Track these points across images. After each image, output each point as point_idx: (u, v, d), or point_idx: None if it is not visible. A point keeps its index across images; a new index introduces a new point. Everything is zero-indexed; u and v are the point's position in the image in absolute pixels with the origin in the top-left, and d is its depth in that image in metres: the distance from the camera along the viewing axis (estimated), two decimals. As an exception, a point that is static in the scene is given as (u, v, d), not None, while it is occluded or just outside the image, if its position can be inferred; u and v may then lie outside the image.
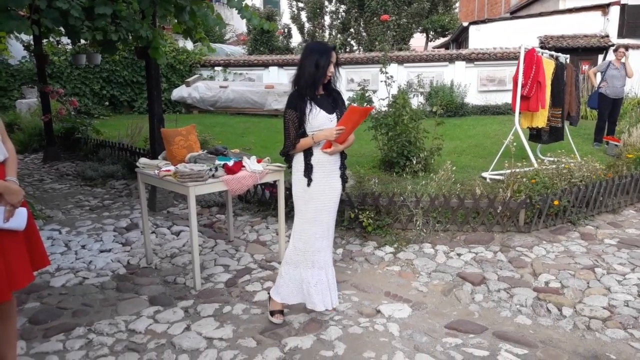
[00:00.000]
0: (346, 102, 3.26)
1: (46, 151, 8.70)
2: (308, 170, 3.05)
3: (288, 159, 3.19)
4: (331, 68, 2.99)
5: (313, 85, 2.99)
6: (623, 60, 8.46)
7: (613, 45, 14.46)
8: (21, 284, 2.37)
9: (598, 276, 3.84)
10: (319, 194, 3.07)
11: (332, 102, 3.06)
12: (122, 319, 3.23)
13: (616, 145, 7.53)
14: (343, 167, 3.20)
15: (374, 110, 6.57)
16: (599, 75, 8.78)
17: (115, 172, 7.15)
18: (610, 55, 12.39)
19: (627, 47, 8.81)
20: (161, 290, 3.69)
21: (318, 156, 3.05)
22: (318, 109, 3.00)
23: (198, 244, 3.80)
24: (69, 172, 7.73)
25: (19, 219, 2.33)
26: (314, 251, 3.10)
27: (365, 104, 6.62)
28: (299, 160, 3.10)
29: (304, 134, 3.01)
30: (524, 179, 5.05)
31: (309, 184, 3.05)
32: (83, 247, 4.55)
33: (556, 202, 4.75)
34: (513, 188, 4.97)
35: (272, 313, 3.23)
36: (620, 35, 15.46)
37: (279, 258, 4.18)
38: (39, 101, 9.06)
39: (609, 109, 8.57)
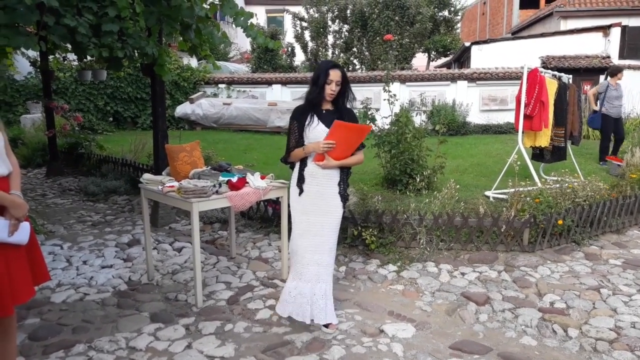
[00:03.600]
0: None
1: (49, 166, 8.71)
2: (300, 181, 3.19)
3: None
4: (332, 86, 3.06)
5: (312, 99, 3.12)
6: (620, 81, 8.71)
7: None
8: (23, 299, 2.36)
9: (604, 297, 3.80)
10: (311, 207, 3.16)
11: (338, 118, 3.08)
12: (122, 336, 3.20)
13: (619, 165, 7.54)
14: (344, 185, 3.21)
15: (375, 128, 6.59)
16: (599, 96, 8.87)
17: (118, 187, 7.15)
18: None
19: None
20: (162, 307, 3.66)
21: (311, 168, 3.15)
22: (317, 121, 3.11)
23: (200, 261, 3.78)
24: (72, 187, 7.73)
25: (23, 233, 2.33)
26: (304, 263, 3.17)
27: (368, 121, 6.64)
28: (295, 171, 3.26)
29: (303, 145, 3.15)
30: (528, 198, 5.03)
31: (300, 194, 3.18)
32: (84, 262, 4.53)
33: (560, 222, 4.73)
34: (517, 207, 4.94)
35: None
36: (622, 56, 15.58)
37: (281, 275, 4.16)
38: (44, 116, 9.10)
39: (612, 128, 8.69)
